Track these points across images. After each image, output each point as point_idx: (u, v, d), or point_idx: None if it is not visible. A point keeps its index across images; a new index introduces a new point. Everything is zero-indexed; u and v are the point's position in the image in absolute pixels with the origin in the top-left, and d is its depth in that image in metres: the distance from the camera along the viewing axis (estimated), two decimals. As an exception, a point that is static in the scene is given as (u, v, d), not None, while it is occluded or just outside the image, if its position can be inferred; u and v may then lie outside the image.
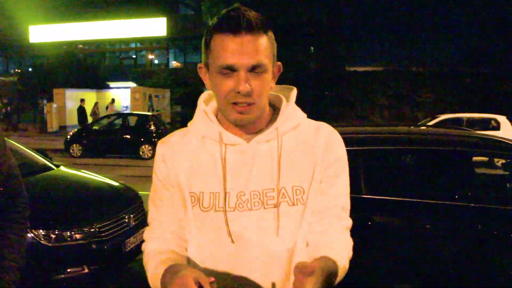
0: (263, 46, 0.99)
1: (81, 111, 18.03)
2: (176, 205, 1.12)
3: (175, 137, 1.16)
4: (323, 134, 1.11)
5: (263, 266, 1.05)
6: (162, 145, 1.15)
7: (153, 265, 1.05)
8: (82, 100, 18.67)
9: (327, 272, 0.90)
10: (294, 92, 1.16)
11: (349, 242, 1.09)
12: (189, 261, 1.12)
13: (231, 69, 0.98)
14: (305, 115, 1.14)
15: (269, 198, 1.05)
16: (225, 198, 1.05)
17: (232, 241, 1.05)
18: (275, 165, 1.06)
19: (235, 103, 1.01)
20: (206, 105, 1.15)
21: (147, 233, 1.17)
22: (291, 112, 1.12)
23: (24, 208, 1.53)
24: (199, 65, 1.09)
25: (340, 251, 1.03)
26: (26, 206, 1.54)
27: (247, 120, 1.04)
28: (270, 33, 1.03)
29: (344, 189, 1.11)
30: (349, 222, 1.11)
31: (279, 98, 1.15)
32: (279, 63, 1.09)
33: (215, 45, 1.00)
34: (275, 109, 1.14)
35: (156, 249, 1.11)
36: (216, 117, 1.12)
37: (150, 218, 1.17)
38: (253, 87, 0.99)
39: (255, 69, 0.99)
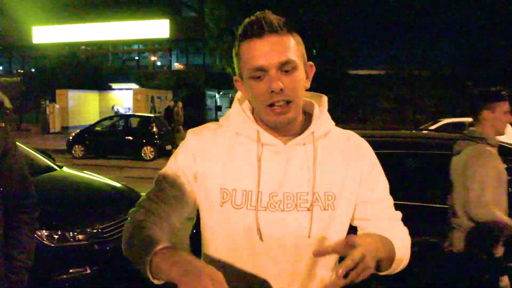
0: (289, 44, 1.02)
1: (170, 111, 18.13)
2: (184, 196, 1.10)
3: (207, 131, 1.15)
4: (354, 143, 1.16)
5: (290, 266, 1.07)
6: (194, 138, 1.14)
7: (140, 236, 0.99)
8: (171, 101, 18.65)
9: (378, 247, 0.98)
10: (325, 99, 1.18)
11: (406, 232, 1.16)
12: (206, 257, 1.12)
13: (262, 70, 1.01)
14: (333, 123, 1.17)
15: (302, 201, 1.06)
16: (257, 197, 1.05)
17: (261, 239, 1.06)
18: (311, 169, 1.08)
19: (272, 105, 1.02)
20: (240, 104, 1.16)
21: (140, 202, 1.11)
22: (325, 118, 1.14)
23: (33, 209, 1.54)
24: (234, 78, 1.11)
25: (399, 237, 1.10)
26: (35, 207, 1.55)
27: (286, 120, 1.05)
28: (296, 34, 1.06)
29: (386, 192, 1.18)
30: (399, 214, 1.19)
31: (311, 104, 1.17)
32: (311, 62, 1.10)
33: (243, 52, 1.04)
34: (306, 114, 1.16)
35: (143, 219, 1.05)
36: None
37: (151, 193, 1.12)
38: (285, 85, 1.01)
39: (285, 67, 1.01)
